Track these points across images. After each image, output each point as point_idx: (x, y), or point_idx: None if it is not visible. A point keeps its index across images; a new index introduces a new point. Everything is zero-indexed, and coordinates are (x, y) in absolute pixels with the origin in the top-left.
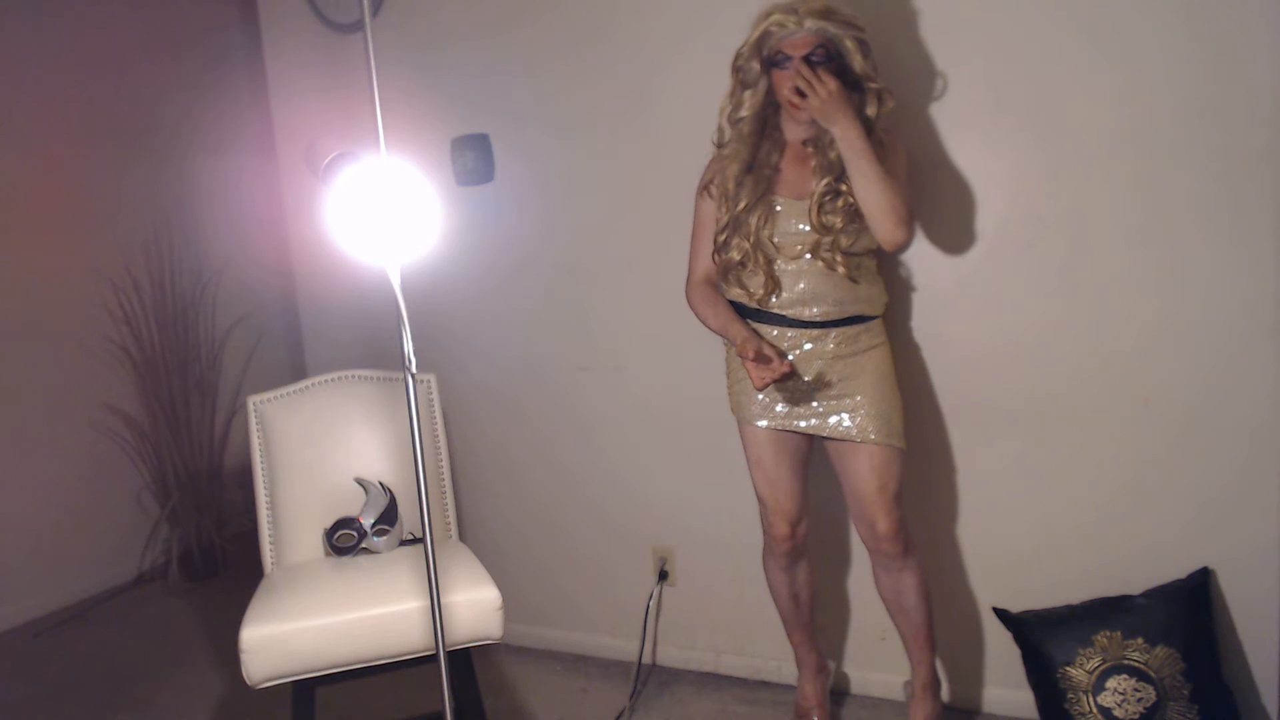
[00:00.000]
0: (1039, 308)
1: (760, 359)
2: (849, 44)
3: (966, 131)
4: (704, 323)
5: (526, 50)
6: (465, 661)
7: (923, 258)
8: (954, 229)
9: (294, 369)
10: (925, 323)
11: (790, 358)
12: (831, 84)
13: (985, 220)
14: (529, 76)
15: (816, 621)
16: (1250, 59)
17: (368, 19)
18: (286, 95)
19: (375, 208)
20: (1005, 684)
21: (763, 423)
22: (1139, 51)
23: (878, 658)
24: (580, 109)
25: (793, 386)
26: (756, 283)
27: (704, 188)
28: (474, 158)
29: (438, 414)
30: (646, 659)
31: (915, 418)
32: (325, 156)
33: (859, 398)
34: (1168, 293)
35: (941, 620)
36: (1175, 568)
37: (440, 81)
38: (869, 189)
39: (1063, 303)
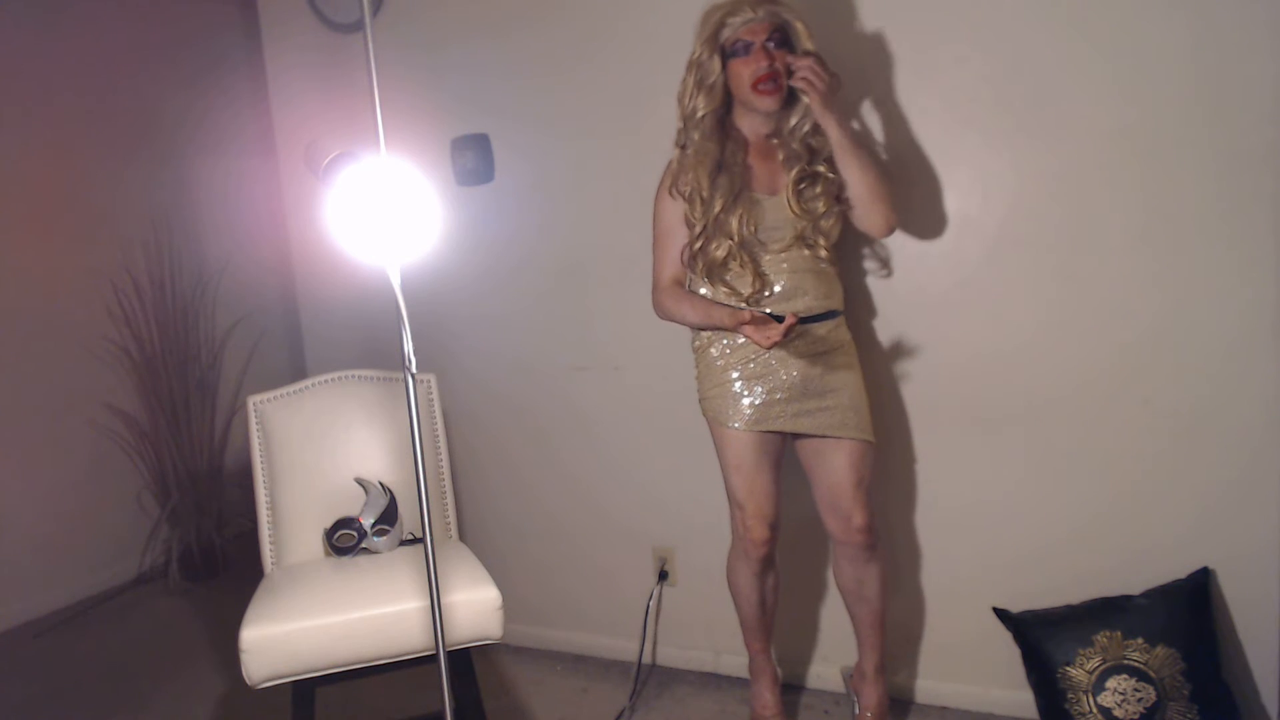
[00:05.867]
0: (1039, 307)
1: (759, 321)
2: (799, 26)
3: (966, 130)
4: (683, 320)
5: (526, 50)
6: (465, 661)
7: (923, 257)
8: (954, 229)
9: (294, 369)
10: (925, 323)
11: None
12: (830, 75)
13: (986, 220)
14: (529, 76)
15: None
16: (1252, 57)
17: (368, 19)
18: (286, 95)
19: (375, 208)
20: (1005, 684)
21: (740, 425)
22: (1140, 50)
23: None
24: (580, 109)
25: (794, 347)
26: (744, 282)
27: (669, 189)
28: (474, 158)
29: (438, 414)
30: (646, 659)
31: (916, 419)
32: (325, 156)
33: (837, 394)
34: (1168, 292)
35: (942, 620)
36: (1175, 568)
37: (440, 81)
38: (865, 177)
39: (1063, 302)
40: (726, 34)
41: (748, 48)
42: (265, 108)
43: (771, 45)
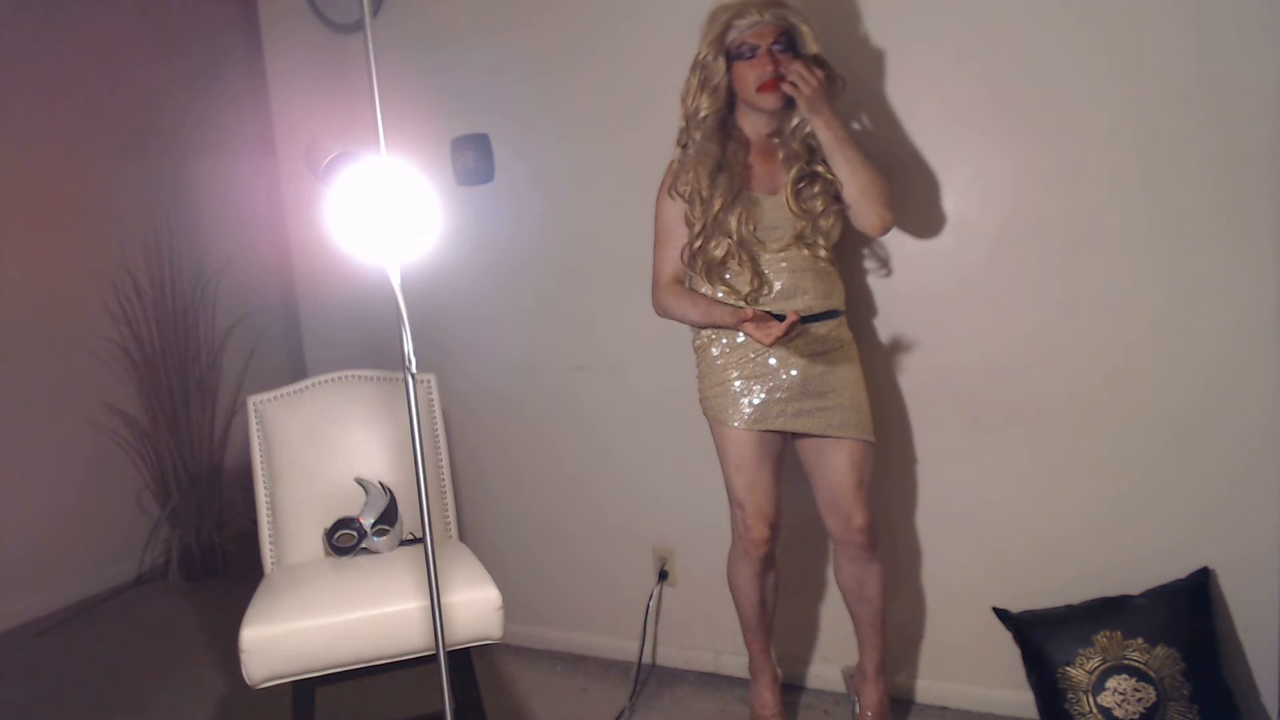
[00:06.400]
0: (1039, 307)
1: (760, 319)
2: (805, 30)
3: (966, 130)
4: (683, 318)
5: (526, 50)
6: (465, 661)
7: (923, 257)
8: (954, 229)
9: (294, 369)
10: (926, 323)
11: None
12: (820, 74)
13: (986, 220)
14: (529, 76)
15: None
16: (1252, 57)
17: (368, 19)
18: (286, 95)
19: (375, 208)
20: (1005, 684)
21: (740, 424)
22: (1140, 50)
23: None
24: (580, 109)
25: (794, 347)
26: (743, 280)
27: (669, 189)
28: (474, 158)
29: (438, 414)
30: (646, 659)
31: (916, 419)
32: (325, 156)
33: (838, 393)
34: (1169, 293)
35: (942, 620)
36: (1175, 568)
37: (440, 81)
38: (857, 174)
39: (1063, 303)
40: (732, 36)
41: (753, 51)
42: (265, 108)
43: (778, 49)
